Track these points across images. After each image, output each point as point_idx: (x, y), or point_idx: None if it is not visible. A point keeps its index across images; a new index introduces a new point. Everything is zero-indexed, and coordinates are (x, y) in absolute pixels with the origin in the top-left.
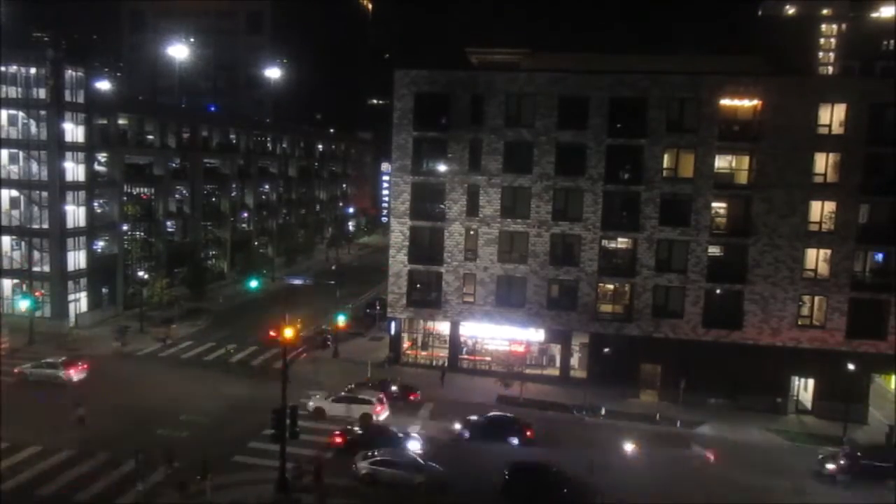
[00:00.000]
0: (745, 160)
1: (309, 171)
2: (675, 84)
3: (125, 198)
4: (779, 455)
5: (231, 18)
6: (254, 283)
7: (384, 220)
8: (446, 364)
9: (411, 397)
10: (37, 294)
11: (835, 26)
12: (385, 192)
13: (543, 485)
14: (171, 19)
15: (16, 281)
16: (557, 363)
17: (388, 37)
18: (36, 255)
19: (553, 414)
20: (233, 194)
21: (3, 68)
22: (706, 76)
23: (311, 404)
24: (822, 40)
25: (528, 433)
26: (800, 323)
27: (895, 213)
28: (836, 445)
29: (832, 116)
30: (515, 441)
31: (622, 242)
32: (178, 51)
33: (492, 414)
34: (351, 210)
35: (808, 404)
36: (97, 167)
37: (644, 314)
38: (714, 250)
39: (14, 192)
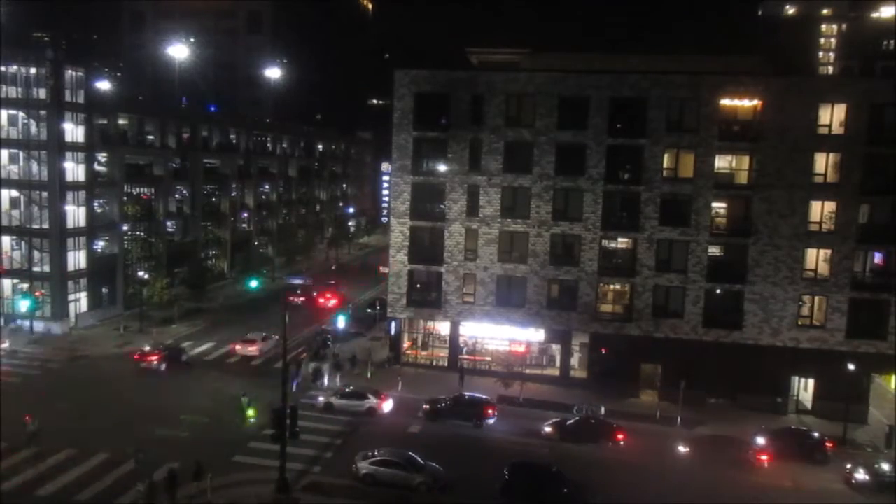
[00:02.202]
0: (745, 160)
1: (309, 171)
2: (675, 84)
3: (125, 198)
4: None
5: (231, 18)
6: (254, 283)
7: (384, 220)
8: (461, 365)
9: None
10: (37, 294)
11: (835, 26)
12: (385, 192)
13: (543, 485)
14: (171, 19)
15: (16, 281)
16: (557, 363)
17: (388, 37)
18: (36, 255)
19: (554, 414)
20: (233, 194)
21: (3, 68)
22: (706, 76)
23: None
24: (822, 40)
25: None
26: (800, 323)
27: (895, 213)
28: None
29: (832, 116)
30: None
31: (622, 242)
32: (178, 51)
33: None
34: (351, 210)
35: (808, 404)
36: (97, 167)
37: (644, 314)
38: (714, 250)
39: (14, 192)
